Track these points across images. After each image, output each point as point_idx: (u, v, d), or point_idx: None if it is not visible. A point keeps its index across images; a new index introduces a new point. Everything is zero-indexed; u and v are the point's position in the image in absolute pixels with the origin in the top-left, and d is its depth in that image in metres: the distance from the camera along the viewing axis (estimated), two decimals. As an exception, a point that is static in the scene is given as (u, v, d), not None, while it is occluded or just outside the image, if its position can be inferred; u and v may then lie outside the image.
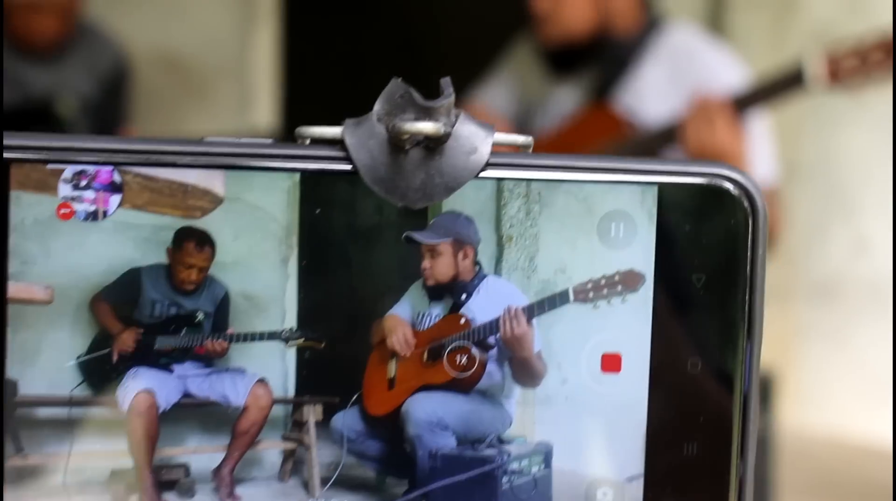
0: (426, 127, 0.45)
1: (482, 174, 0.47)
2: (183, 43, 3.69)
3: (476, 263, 0.49)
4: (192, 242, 0.47)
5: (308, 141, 0.48)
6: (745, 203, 0.47)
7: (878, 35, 2.27)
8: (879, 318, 3.85)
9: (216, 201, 0.46)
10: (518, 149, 0.48)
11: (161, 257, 0.47)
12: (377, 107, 0.48)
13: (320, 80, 5.16)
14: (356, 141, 0.47)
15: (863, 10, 3.88)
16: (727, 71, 2.52)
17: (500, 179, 0.47)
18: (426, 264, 0.49)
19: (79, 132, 3.14)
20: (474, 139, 0.47)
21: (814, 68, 2.29)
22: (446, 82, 0.47)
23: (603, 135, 2.52)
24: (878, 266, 3.88)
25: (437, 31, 5.36)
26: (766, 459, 2.74)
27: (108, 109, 3.23)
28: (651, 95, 2.54)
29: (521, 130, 2.68)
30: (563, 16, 2.54)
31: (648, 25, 2.58)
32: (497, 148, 0.47)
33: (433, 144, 0.46)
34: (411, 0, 5.40)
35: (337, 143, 0.47)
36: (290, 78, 4.03)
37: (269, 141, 0.47)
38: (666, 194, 0.48)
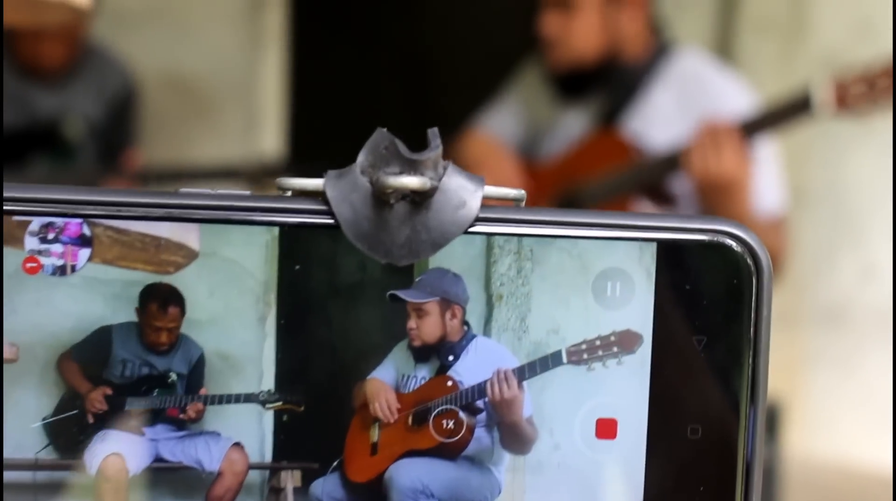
0: (411, 182, 0.43)
1: (471, 229, 0.45)
2: (189, 65, 3.69)
3: (464, 323, 0.46)
4: (157, 302, 0.45)
5: (289, 193, 0.45)
6: (749, 261, 0.45)
7: (886, 61, 2.26)
8: (888, 345, 3.83)
9: (190, 255, 0.44)
10: (510, 203, 0.46)
11: (132, 315, 0.45)
12: (361, 158, 0.45)
13: (327, 103, 5.16)
14: (338, 194, 0.44)
15: (872, 35, 3.86)
16: (736, 97, 2.51)
17: (489, 235, 0.45)
18: (412, 323, 0.46)
19: (85, 155, 3.14)
20: (463, 193, 0.44)
21: (821, 94, 2.28)
22: (434, 133, 0.45)
23: (610, 160, 2.51)
24: (887, 293, 3.86)
25: (445, 54, 5.36)
26: (773, 487, 2.72)
27: (115, 132, 3.22)
28: (660, 120, 2.52)
29: (528, 155, 2.66)
30: (571, 41, 2.53)
31: (658, 51, 2.57)
32: (487, 201, 0.45)
33: (419, 199, 0.44)
34: (419, 23, 5.40)
35: (318, 195, 0.45)
36: (297, 101, 4.02)
37: (247, 193, 0.44)
38: (665, 252, 0.45)
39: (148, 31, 3.65)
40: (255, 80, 3.73)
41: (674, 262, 0.45)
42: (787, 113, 2.33)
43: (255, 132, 3.71)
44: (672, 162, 2.40)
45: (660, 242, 0.45)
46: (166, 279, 0.44)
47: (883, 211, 3.84)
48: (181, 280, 0.44)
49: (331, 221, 0.45)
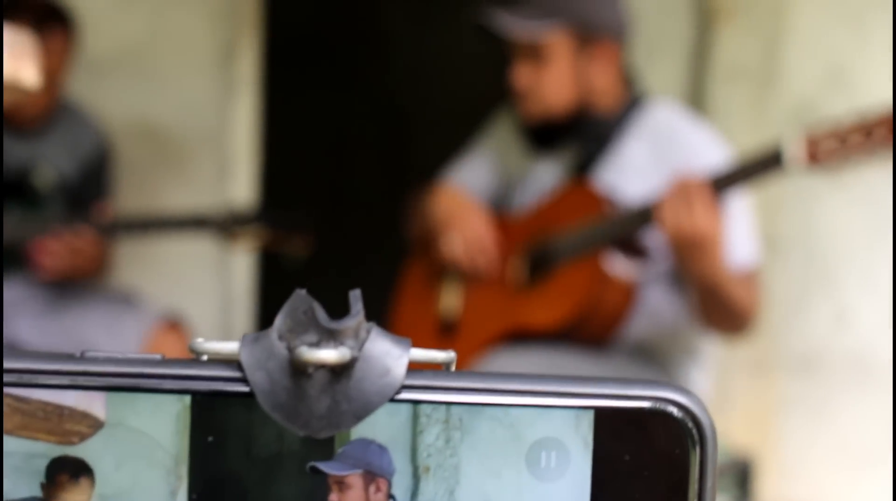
0: (329, 356, 0.40)
1: (396, 397, 0.42)
2: (161, 113, 3.67)
3: (390, 496, 0.44)
4: (66, 475, 0.41)
5: (204, 357, 0.42)
6: (692, 430, 0.42)
7: (857, 117, 2.25)
8: (862, 391, 3.82)
9: (96, 425, 0.41)
10: (439, 366, 0.43)
11: (35, 490, 0.42)
12: (278, 322, 0.43)
13: (300, 151, 5.14)
14: (254, 361, 0.41)
15: (843, 85, 3.87)
16: (708, 150, 2.51)
17: (416, 403, 0.42)
18: (334, 497, 0.43)
19: (54, 207, 3.11)
20: (387, 359, 0.41)
21: (793, 150, 2.28)
22: (355, 296, 0.42)
23: (582, 212, 2.51)
24: (860, 339, 3.85)
25: (418, 102, 5.36)
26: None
27: (86, 189, 3.20)
28: (632, 173, 2.52)
29: (500, 205, 2.65)
30: (543, 93, 2.53)
31: (630, 103, 2.57)
32: (414, 365, 0.42)
33: (339, 369, 0.41)
34: (392, 71, 5.40)
35: (234, 361, 0.42)
36: (270, 149, 4.00)
37: (158, 357, 0.42)
38: (603, 420, 0.42)
39: (119, 78, 3.63)
40: (227, 128, 3.70)
41: (612, 431, 0.42)
42: (758, 168, 2.33)
43: (227, 181, 3.69)
44: (644, 216, 2.40)
45: (597, 409, 0.42)
46: (71, 451, 0.41)
47: (856, 258, 3.84)
48: (87, 452, 0.41)
49: (246, 389, 0.42)
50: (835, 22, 3.88)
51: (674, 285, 2.51)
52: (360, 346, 0.42)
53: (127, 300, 3.16)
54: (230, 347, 0.42)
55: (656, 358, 2.57)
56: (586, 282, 2.46)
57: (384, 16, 5.43)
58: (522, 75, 2.54)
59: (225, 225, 3.01)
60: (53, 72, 3.05)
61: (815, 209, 3.71)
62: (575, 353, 2.49)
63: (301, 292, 0.42)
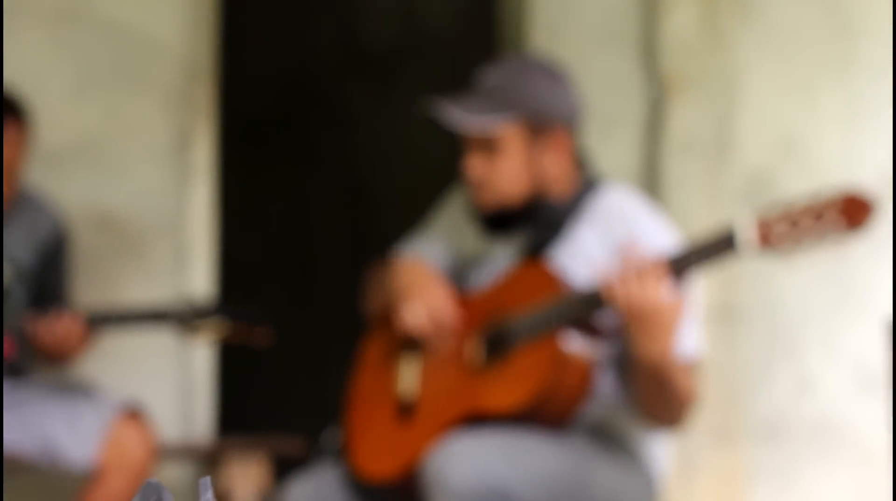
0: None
1: None
2: (116, 203, 3.66)
3: None
4: None
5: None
6: None
7: (808, 200, 2.29)
8: (825, 457, 3.83)
9: None
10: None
11: None
12: None
13: (258, 238, 5.15)
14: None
15: (796, 154, 3.91)
16: (660, 236, 2.54)
17: None
18: None
19: (14, 300, 3.10)
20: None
21: (745, 233, 2.31)
22: (205, 485, 0.42)
23: (537, 292, 2.52)
24: (823, 406, 3.87)
25: (378, 180, 5.37)
26: None
27: (46, 278, 3.19)
28: (584, 257, 2.55)
29: (455, 284, 2.65)
30: (496, 184, 2.55)
31: (583, 188, 2.60)
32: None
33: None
34: (351, 149, 5.42)
35: None
36: (227, 237, 4.00)
37: None
38: None
39: (75, 168, 3.62)
40: (184, 216, 3.70)
41: None
42: (711, 251, 2.37)
43: (185, 270, 3.68)
44: (596, 299, 2.42)
45: None
46: None
47: (816, 324, 3.86)
48: None
49: None
50: (786, 92, 3.93)
51: (619, 371, 2.52)
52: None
53: (85, 392, 3.15)
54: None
55: (614, 437, 2.57)
56: (545, 364, 2.46)
57: (341, 94, 5.46)
58: (476, 166, 2.56)
59: (185, 319, 3.01)
60: (10, 163, 3.06)
61: (776, 278, 3.74)
62: (534, 436, 2.48)
63: (153, 482, 0.43)
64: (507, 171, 2.54)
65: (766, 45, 3.92)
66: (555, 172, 2.56)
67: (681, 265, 2.37)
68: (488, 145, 2.54)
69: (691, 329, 2.49)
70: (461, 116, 2.53)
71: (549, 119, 2.54)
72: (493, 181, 2.55)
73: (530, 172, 2.54)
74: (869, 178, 3.66)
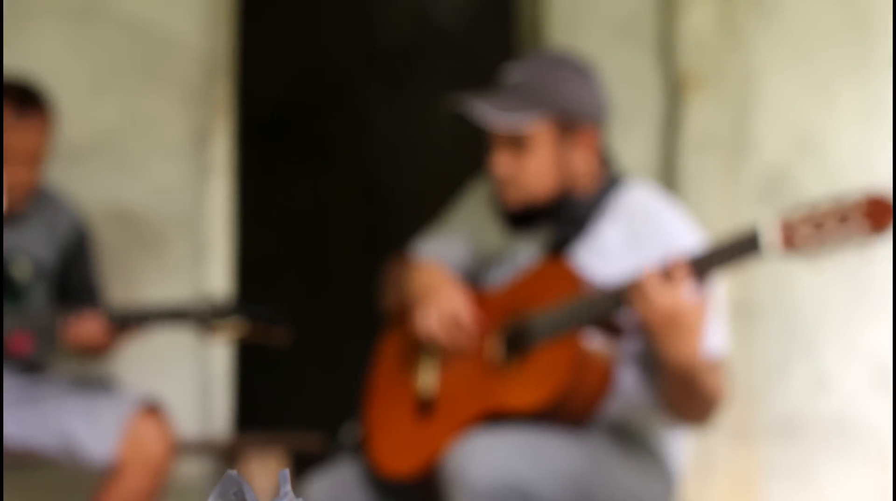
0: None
1: None
2: (135, 199, 3.67)
3: None
4: None
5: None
6: None
7: (832, 202, 2.28)
8: (842, 455, 3.82)
9: None
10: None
11: None
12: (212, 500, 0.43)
13: (276, 234, 5.15)
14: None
15: (813, 151, 3.90)
16: (682, 234, 2.53)
17: None
18: None
19: (35, 296, 3.11)
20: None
21: (769, 235, 2.31)
22: (284, 477, 0.43)
23: (559, 290, 2.51)
24: (840, 403, 3.86)
25: (395, 181, 5.37)
26: None
27: (68, 275, 3.21)
28: (607, 254, 2.54)
29: (474, 281, 2.65)
30: (525, 181, 2.54)
31: (607, 185, 2.59)
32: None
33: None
34: (368, 147, 5.42)
35: None
36: (246, 233, 4.00)
37: None
38: None
39: (94, 165, 3.63)
40: (203, 212, 3.70)
41: None
42: (734, 252, 2.36)
43: (203, 266, 3.68)
44: (622, 295, 2.41)
45: None
46: None
47: (833, 321, 3.85)
48: None
49: None
50: (803, 89, 3.92)
51: (644, 369, 2.51)
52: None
53: (105, 388, 3.15)
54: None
55: (634, 435, 2.57)
56: (567, 363, 2.45)
57: (358, 92, 5.46)
58: (503, 164, 2.54)
59: (204, 318, 3.02)
60: (33, 156, 3.07)
61: (793, 275, 3.73)
62: (554, 434, 2.48)
63: (232, 473, 0.43)
64: (535, 168, 2.53)
65: (783, 42, 3.91)
66: (582, 169, 2.56)
67: (704, 266, 2.36)
68: (517, 143, 2.52)
69: (716, 328, 2.48)
70: (490, 113, 2.51)
71: (579, 117, 2.53)
72: (521, 179, 2.54)
73: (559, 170, 2.53)
74: (886, 175, 3.66)
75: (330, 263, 5.33)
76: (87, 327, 2.99)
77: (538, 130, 2.52)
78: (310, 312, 4.47)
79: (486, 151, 2.59)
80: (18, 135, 3.04)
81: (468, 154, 3.02)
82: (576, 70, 2.59)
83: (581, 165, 2.55)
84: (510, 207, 2.58)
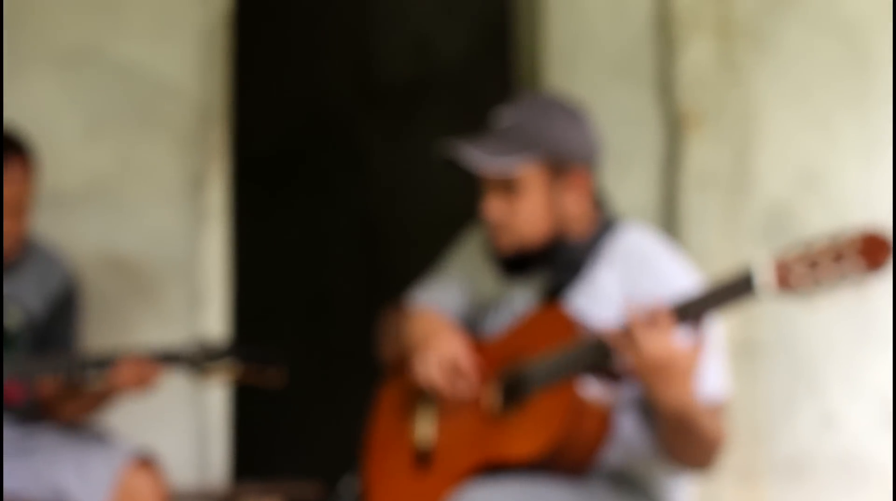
0: None
1: None
2: (129, 245, 3.66)
3: None
4: None
5: None
6: None
7: (827, 240, 2.25)
8: (850, 493, 3.80)
9: None
10: None
11: None
12: None
13: (273, 278, 5.12)
14: None
15: (816, 188, 3.89)
16: (679, 277, 2.50)
17: None
18: None
19: (22, 346, 3.09)
20: None
21: (763, 275, 2.27)
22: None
23: (555, 336, 2.48)
24: (847, 442, 3.84)
25: (395, 220, 5.35)
26: None
27: (53, 328, 3.18)
28: (603, 298, 2.51)
29: (471, 328, 2.63)
30: (517, 225, 2.52)
31: (602, 228, 2.56)
32: None
33: None
34: (367, 188, 5.40)
35: None
36: (242, 277, 3.98)
37: None
38: None
39: (87, 211, 3.63)
40: (198, 258, 3.70)
41: None
42: (728, 294, 2.32)
43: (199, 312, 3.67)
44: (611, 343, 2.38)
45: None
46: None
47: (839, 359, 3.83)
48: None
49: None
50: (804, 125, 3.92)
51: (643, 415, 2.48)
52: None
53: (97, 438, 3.12)
54: None
55: (636, 483, 2.53)
56: (563, 411, 2.42)
57: (355, 130, 5.45)
58: (495, 208, 2.52)
59: (196, 361, 3.00)
60: (16, 201, 3.05)
61: (797, 314, 3.70)
62: (553, 484, 2.45)
63: None
64: (527, 212, 2.50)
65: (783, 78, 3.90)
66: (575, 212, 2.53)
67: (697, 310, 2.33)
68: (508, 186, 2.50)
69: (715, 369, 2.45)
70: (480, 158, 2.49)
71: (570, 158, 2.51)
72: (513, 223, 2.51)
73: (551, 213, 2.51)
74: (889, 211, 3.65)
75: (329, 306, 5.30)
76: (133, 369, 2.96)
77: (529, 173, 2.49)
78: (308, 356, 4.45)
79: (479, 196, 2.57)
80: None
81: (469, 194, 2.99)
82: (566, 112, 2.57)
83: (574, 207, 2.53)
84: (503, 252, 2.55)
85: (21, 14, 3.62)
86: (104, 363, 3.00)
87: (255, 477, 3.83)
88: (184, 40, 3.72)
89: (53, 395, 3.03)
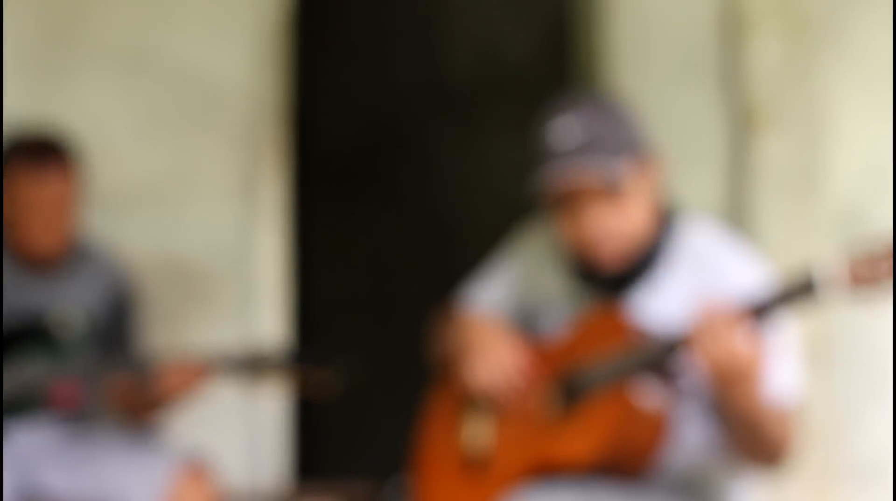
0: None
1: None
2: (184, 245, 3.65)
3: None
4: None
5: None
6: None
7: (887, 244, 2.25)
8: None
9: None
10: None
11: None
12: None
13: (331, 279, 5.10)
14: None
15: (888, 185, 3.79)
16: (745, 273, 2.47)
17: None
18: None
19: (82, 351, 3.09)
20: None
21: (825, 274, 2.28)
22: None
23: (612, 340, 2.46)
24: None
25: (465, 219, 5.31)
26: None
27: (111, 332, 3.18)
28: (668, 297, 2.48)
29: (525, 325, 2.60)
30: (627, 232, 2.46)
31: (666, 228, 2.52)
32: None
33: None
34: (433, 193, 5.36)
35: None
36: (299, 278, 3.96)
37: None
38: None
39: (141, 212, 3.62)
40: (253, 259, 3.68)
41: None
42: (790, 296, 2.32)
43: (254, 313, 3.65)
44: (675, 347, 2.38)
45: None
46: None
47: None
48: None
49: None
50: (875, 119, 3.85)
51: (708, 418, 2.45)
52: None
53: (149, 443, 3.12)
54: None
55: (701, 489, 2.50)
56: (613, 416, 2.42)
57: (422, 132, 5.42)
58: (602, 219, 2.43)
59: (250, 367, 2.98)
60: (56, 203, 3.06)
61: (872, 315, 3.62)
62: (610, 489, 2.42)
63: None
64: (637, 216, 2.45)
65: (852, 74, 3.83)
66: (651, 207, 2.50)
67: (762, 312, 2.32)
68: (612, 195, 2.42)
69: (785, 370, 2.43)
70: (584, 172, 2.41)
71: (646, 154, 2.48)
72: (623, 230, 2.44)
73: (651, 212, 2.48)
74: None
75: (397, 307, 5.27)
76: (183, 376, 2.97)
77: (629, 176, 2.43)
78: (375, 360, 4.43)
79: (557, 213, 2.49)
80: (36, 187, 3.04)
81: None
82: (623, 109, 2.56)
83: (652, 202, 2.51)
84: (608, 263, 2.47)
85: (77, 16, 3.63)
86: (159, 365, 3.00)
87: (318, 478, 3.82)
88: (239, 41, 3.71)
89: (120, 397, 3.03)
